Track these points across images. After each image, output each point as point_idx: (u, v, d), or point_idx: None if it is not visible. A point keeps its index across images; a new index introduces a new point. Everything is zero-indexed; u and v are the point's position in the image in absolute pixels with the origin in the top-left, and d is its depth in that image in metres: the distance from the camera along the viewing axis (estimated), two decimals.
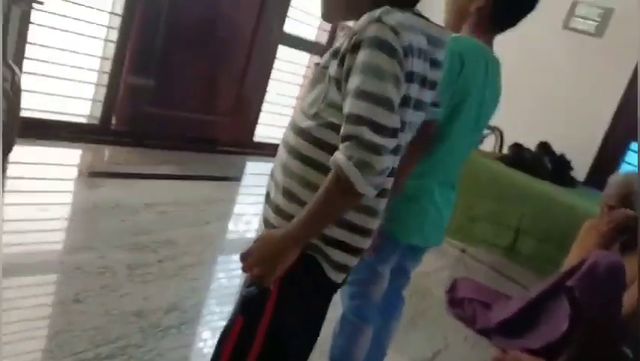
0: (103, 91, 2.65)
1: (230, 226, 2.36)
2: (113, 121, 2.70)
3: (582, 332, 1.75)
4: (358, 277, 1.26)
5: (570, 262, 1.93)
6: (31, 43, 2.27)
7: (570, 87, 3.08)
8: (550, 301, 1.90)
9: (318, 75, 0.81)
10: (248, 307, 0.85)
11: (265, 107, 3.42)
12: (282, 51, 3.39)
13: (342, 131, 0.73)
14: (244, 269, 0.82)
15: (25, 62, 2.26)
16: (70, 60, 2.51)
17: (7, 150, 1.91)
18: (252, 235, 2.27)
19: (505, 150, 3.03)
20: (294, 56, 3.53)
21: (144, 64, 2.68)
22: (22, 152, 2.06)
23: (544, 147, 2.89)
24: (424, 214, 1.20)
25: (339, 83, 0.75)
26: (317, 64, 0.85)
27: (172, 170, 2.63)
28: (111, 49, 2.61)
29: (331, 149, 0.75)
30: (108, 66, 2.63)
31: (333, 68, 0.76)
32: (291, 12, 3.30)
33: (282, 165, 0.84)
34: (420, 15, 0.82)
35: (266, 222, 0.88)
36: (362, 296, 1.28)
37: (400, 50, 0.72)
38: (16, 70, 1.90)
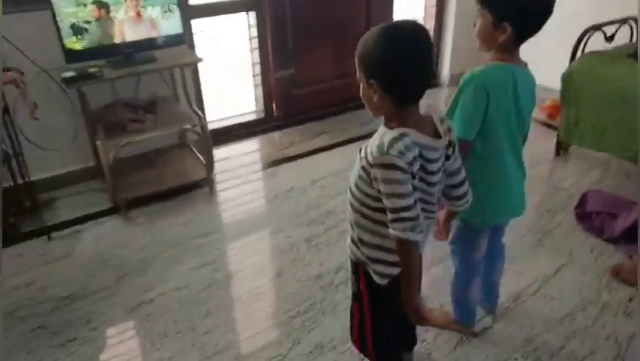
0: (260, 90, 3.35)
1: None
2: (274, 110, 3.40)
3: None
4: (459, 248, 1.74)
5: None
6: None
7: None
8: None
9: (359, 161, 1.24)
10: (357, 298, 1.44)
11: None
12: None
13: (389, 216, 1.18)
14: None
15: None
16: (232, 74, 3.23)
17: (210, 168, 2.74)
18: None
19: None
20: None
21: (283, 60, 3.26)
22: (219, 155, 2.88)
23: None
24: (488, 198, 1.57)
25: (368, 173, 1.19)
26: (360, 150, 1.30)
27: (325, 140, 3.26)
28: (257, 55, 3.25)
29: (368, 207, 1.24)
30: (259, 69, 3.29)
31: (363, 164, 1.21)
32: None
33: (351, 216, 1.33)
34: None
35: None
36: (465, 261, 1.76)
37: (404, 165, 1.12)
38: (200, 113, 2.66)
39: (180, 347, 1.87)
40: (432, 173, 1.22)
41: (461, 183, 1.34)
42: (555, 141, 3.05)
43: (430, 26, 3.90)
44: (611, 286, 2.11)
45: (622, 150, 2.65)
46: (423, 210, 1.22)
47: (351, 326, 1.51)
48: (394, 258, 1.27)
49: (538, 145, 3.11)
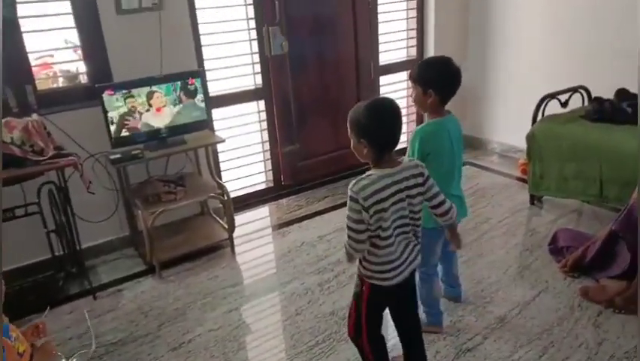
0: (269, 163, 3.85)
1: None
2: (282, 180, 3.88)
3: None
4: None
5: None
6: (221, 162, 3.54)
7: None
8: (616, 239, 2.49)
9: None
10: (357, 296, 1.85)
11: None
12: (383, 80, 4.24)
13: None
14: None
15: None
16: (244, 151, 3.75)
17: (232, 230, 3.16)
18: None
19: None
20: (393, 78, 4.35)
21: (288, 136, 3.79)
22: (236, 220, 3.30)
23: (621, 93, 3.26)
24: None
25: None
26: None
27: (328, 203, 3.71)
28: (266, 135, 3.78)
29: None
30: (267, 146, 3.81)
31: None
32: (381, 47, 4.14)
33: None
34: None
35: None
36: (426, 266, 2.18)
37: (359, 200, 1.60)
38: (223, 184, 3.12)
39: None
40: (398, 200, 1.68)
41: (439, 205, 1.80)
42: (529, 192, 3.50)
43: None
44: (582, 305, 2.47)
45: (582, 195, 3.11)
46: (399, 226, 1.70)
47: (350, 313, 1.92)
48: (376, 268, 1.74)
49: (515, 197, 3.57)
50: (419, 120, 4.56)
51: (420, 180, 1.73)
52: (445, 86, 2.00)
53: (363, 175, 1.67)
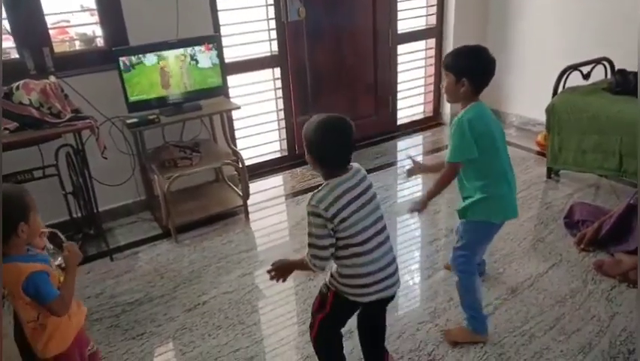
0: (284, 132, 3.84)
1: (392, 206, 3.32)
2: (296, 149, 3.87)
3: None
4: (472, 249, 2.06)
5: None
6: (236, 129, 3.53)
7: None
8: (634, 213, 2.45)
9: None
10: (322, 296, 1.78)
11: (400, 94, 4.27)
12: (401, 48, 4.17)
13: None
14: None
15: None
16: (259, 120, 3.74)
17: (246, 196, 3.18)
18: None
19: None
20: (412, 46, 4.27)
21: (304, 105, 3.77)
22: (250, 188, 3.32)
23: None
24: (503, 200, 2.00)
25: None
26: None
27: None
28: (281, 103, 3.76)
29: None
30: (282, 115, 3.79)
31: None
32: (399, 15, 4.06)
33: None
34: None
35: None
36: (469, 263, 2.07)
37: (321, 213, 1.53)
38: (238, 151, 3.13)
39: (233, 335, 2.24)
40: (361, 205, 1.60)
41: None
42: (546, 166, 3.46)
43: (431, 75, 4.43)
44: (596, 278, 2.46)
45: (601, 169, 3.06)
46: (376, 233, 1.62)
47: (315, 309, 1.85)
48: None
49: (532, 170, 3.53)
50: (437, 96, 4.50)
51: (368, 182, 1.66)
52: (479, 74, 1.91)
53: (318, 189, 1.58)
